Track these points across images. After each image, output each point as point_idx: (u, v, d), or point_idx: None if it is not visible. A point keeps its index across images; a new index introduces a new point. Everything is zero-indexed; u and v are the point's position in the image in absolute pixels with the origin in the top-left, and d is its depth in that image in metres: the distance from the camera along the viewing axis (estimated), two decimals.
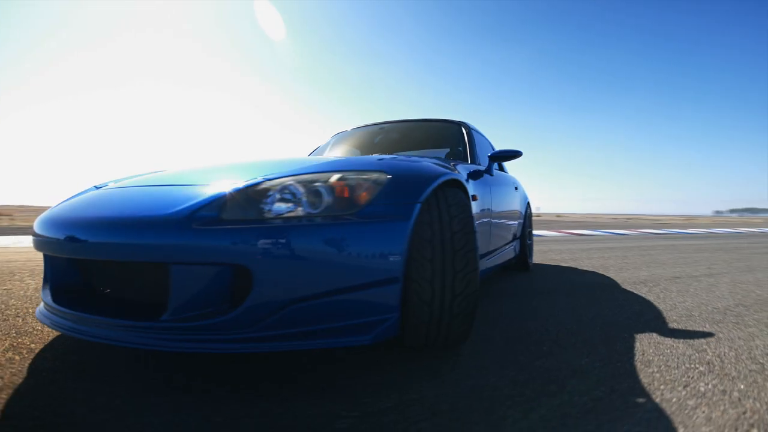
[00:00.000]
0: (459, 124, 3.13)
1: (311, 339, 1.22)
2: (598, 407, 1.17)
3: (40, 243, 1.49)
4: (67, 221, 1.40)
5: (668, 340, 1.80)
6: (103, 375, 1.32)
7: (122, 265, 1.42)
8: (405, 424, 1.06)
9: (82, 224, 1.35)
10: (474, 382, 1.32)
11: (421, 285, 1.37)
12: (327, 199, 1.30)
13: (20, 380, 1.25)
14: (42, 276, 2.78)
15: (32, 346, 1.55)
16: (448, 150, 2.91)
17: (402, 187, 1.39)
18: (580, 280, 3.39)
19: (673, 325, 2.08)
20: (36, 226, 1.55)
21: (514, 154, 2.75)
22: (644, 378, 1.38)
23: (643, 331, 1.93)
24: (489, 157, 2.80)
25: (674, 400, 1.23)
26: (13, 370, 1.32)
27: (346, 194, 1.32)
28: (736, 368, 1.50)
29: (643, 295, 2.80)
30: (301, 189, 1.32)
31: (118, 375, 1.33)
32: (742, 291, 3.07)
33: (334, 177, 1.37)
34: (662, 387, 1.32)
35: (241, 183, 1.37)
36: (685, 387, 1.33)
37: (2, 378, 1.26)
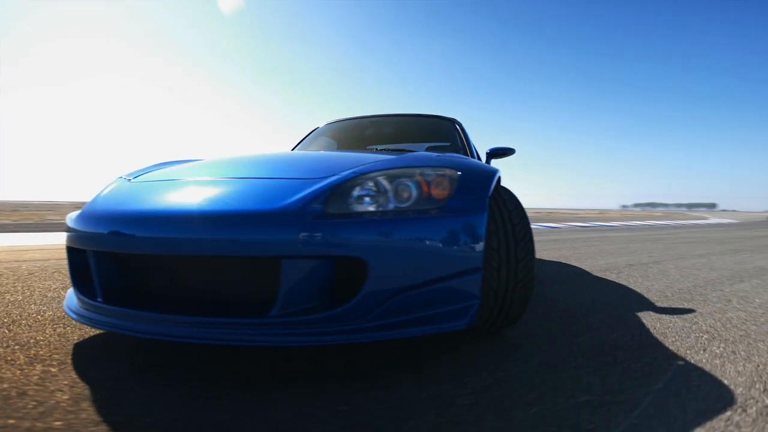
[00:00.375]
0: (452, 121, 3.33)
1: (414, 326, 1.36)
2: (654, 370, 1.42)
3: (107, 241, 1.39)
4: (151, 217, 1.34)
5: (665, 317, 2.14)
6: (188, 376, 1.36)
7: (193, 262, 1.38)
8: (518, 396, 1.23)
9: (173, 220, 1.31)
10: (541, 359, 1.52)
11: (491, 273, 1.54)
12: (415, 193, 1.44)
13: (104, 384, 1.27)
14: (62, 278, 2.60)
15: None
16: (449, 144, 3.10)
17: (472, 183, 1.55)
18: (555, 270, 3.75)
19: (659, 304, 2.44)
20: (92, 223, 1.46)
21: (508, 151, 2.99)
22: (670, 346, 1.67)
23: (640, 310, 2.26)
24: (487, 153, 3.03)
25: (703, 360, 1.52)
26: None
27: (427, 189, 1.47)
28: (729, 334, 1.85)
29: (615, 281, 3.19)
30: (391, 183, 1.45)
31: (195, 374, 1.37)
32: (689, 275, 3.58)
33: (417, 172, 1.50)
34: (688, 352, 1.61)
35: (335, 177, 1.47)
36: (704, 350, 1.63)
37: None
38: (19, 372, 1.30)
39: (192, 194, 1.47)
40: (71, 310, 1.54)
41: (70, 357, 1.43)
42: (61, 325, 1.78)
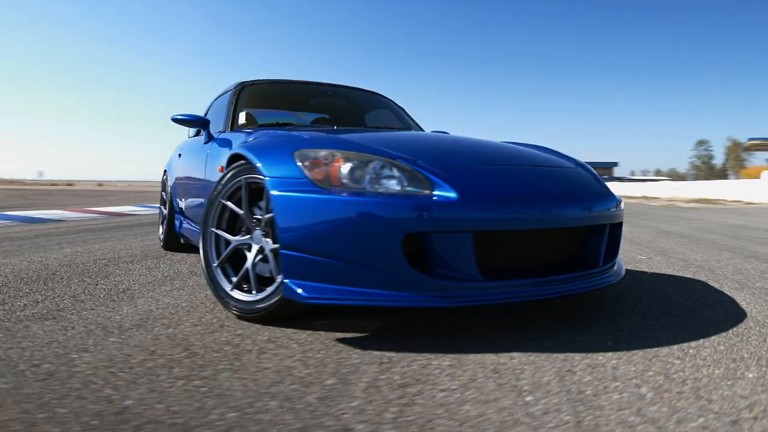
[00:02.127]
0: (382, 95, 3.40)
1: None
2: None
3: (502, 221, 1.54)
4: (522, 196, 1.64)
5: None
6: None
7: (548, 233, 1.70)
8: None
9: (547, 200, 1.68)
10: (641, 341, 1.62)
11: None
12: None
13: None
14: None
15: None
16: (408, 119, 3.24)
17: None
18: None
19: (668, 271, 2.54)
20: (482, 207, 1.53)
21: None
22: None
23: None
24: None
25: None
26: None
27: None
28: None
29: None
30: None
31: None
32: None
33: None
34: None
35: (579, 164, 2.16)
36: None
37: None
38: None
39: (532, 178, 1.81)
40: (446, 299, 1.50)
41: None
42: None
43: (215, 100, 3.42)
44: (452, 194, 1.48)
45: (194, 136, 3.56)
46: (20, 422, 1.00)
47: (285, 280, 1.54)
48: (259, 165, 1.66)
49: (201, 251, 1.91)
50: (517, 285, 1.57)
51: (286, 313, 1.68)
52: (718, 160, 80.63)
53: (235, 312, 1.75)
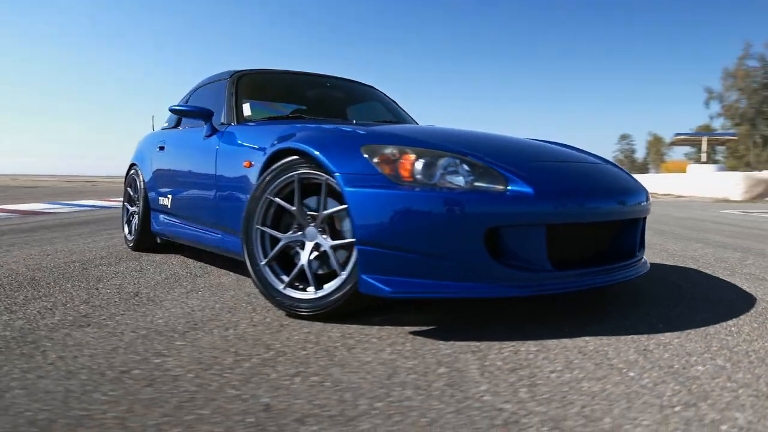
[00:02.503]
0: (370, 86, 3.56)
1: None
2: None
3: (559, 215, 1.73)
4: (582, 191, 1.86)
5: None
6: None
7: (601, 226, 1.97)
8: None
9: (602, 193, 1.92)
10: (685, 323, 1.87)
11: None
12: None
13: None
14: None
15: None
16: (399, 111, 3.42)
17: None
18: None
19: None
20: (554, 201, 1.72)
21: None
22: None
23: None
24: None
25: None
26: None
27: None
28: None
29: None
30: None
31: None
32: None
33: None
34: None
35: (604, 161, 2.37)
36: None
37: None
38: None
39: (587, 174, 2.03)
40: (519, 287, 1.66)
41: None
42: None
43: (198, 89, 3.35)
44: (528, 189, 1.64)
45: (173, 127, 3.46)
46: (173, 425, 1.03)
47: (362, 276, 1.62)
48: (325, 161, 1.72)
49: (245, 250, 1.94)
50: (581, 274, 1.78)
51: (349, 309, 1.77)
52: (640, 154, 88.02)
53: (293, 311, 1.80)
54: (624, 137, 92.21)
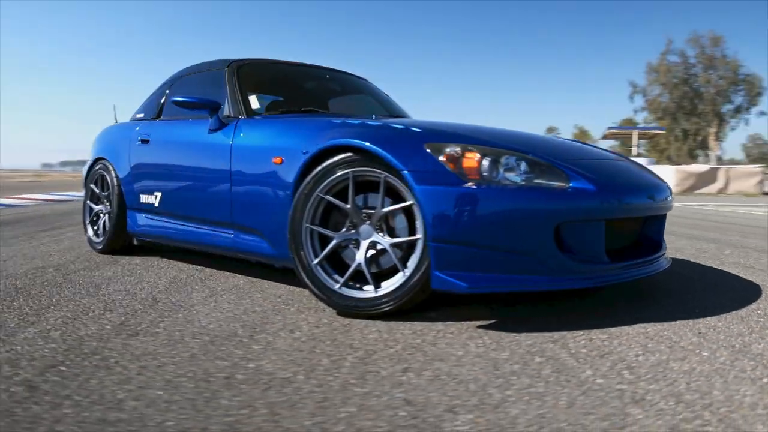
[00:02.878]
0: (362, 78, 3.68)
1: None
2: None
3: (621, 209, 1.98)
4: (629, 187, 2.08)
5: None
6: None
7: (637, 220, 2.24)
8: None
9: (645, 188, 2.15)
10: (716, 309, 2.07)
11: None
12: None
13: None
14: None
15: None
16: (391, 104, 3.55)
17: None
18: None
19: None
20: (614, 197, 1.94)
21: None
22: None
23: None
24: None
25: None
26: None
27: None
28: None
29: None
30: None
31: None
32: None
33: None
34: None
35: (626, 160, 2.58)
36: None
37: None
38: None
39: (629, 171, 2.23)
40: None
41: None
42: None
43: (180, 78, 3.27)
44: (590, 186, 1.82)
45: (152, 118, 3.34)
46: (332, 423, 1.10)
47: (435, 272, 1.73)
48: (390, 158, 1.80)
49: (293, 250, 1.98)
50: (629, 266, 1.99)
51: (411, 306, 1.87)
52: None
53: (352, 310, 1.88)
54: (551, 130, 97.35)
